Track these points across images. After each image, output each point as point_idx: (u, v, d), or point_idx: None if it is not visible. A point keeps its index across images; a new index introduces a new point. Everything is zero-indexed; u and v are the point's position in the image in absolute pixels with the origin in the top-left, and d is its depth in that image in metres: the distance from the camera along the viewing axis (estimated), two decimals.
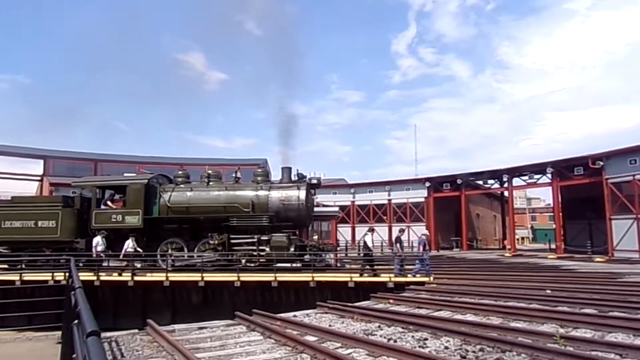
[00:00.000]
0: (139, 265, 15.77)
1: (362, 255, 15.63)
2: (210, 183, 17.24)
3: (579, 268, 18.14)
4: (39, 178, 36.35)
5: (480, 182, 34.36)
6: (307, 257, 15.63)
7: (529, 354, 6.09)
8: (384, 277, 14.03)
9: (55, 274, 14.06)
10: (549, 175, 27.59)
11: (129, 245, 15.49)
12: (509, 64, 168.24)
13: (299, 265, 15.48)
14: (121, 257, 15.42)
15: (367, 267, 15.04)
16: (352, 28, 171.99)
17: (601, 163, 23.86)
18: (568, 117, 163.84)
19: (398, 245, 15.56)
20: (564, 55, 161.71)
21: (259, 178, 17.36)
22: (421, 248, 14.95)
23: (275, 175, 19.00)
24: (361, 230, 35.92)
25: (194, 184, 17.65)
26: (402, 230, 16.64)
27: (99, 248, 15.40)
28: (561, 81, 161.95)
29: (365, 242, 15.47)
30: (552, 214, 41.57)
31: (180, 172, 18.23)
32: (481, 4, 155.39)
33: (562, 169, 26.70)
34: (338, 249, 27.33)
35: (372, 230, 16.72)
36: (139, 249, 15.73)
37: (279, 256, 15.20)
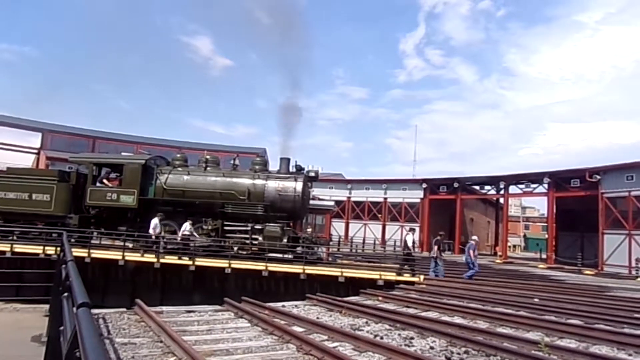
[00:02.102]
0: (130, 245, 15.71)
1: (404, 254, 15.64)
2: (208, 168, 17.20)
3: (568, 279, 18.25)
4: (36, 151, 36.11)
5: (477, 187, 34.45)
6: (299, 249, 15.65)
7: None
8: (374, 275, 14.08)
9: (46, 247, 14.03)
10: (546, 185, 27.70)
11: (187, 228, 15.24)
12: (515, 72, 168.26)
13: (290, 256, 15.50)
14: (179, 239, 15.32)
15: (406, 266, 15.10)
16: (361, 24, 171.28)
17: (598, 177, 23.95)
18: (569, 129, 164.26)
19: (436, 248, 15.60)
20: (571, 67, 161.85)
21: (257, 167, 17.34)
22: (471, 253, 14.92)
23: (274, 165, 18.96)
24: (355, 226, 36.04)
25: (191, 168, 17.59)
26: (441, 234, 16.73)
27: (157, 230, 15.07)
28: (566, 93, 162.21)
29: (406, 242, 15.49)
30: (545, 224, 41.76)
31: (178, 155, 18.16)
32: (492, 9, 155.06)
33: (559, 180, 26.80)
34: (331, 243, 27.39)
35: (412, 230, 16.72)
36: (195, 234, 15.43)
37: (271, 246, 15.22)
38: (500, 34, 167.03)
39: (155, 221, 15.14)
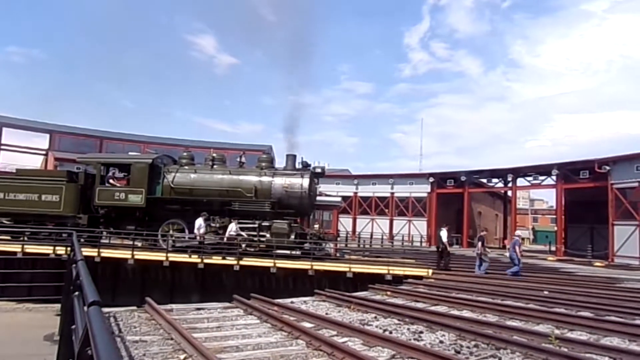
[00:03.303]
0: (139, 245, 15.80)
1: (439, 249, 15.73)
2: (215, 166, 17.27)
3: (578, 271, 18.11)
4: (44, 152, 36.42)
5: (484, 181, 34.25)
6: (307, 245, 15.68)
7: (523, 353, 6.11)
8: (382, 270, 14.07)
9: (56, 247, 14.17)
10: (554, 177, 27.46)
11: (233, 229, 15.18)
12: (521, 63, 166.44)
13: (298, 253, 15.54)
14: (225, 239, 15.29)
15: (442, 261, 15.33)
16: (365, 18, 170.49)
17: (607, 168, 23.69)
18: (577, 120, 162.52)
19: (480, 244, 15.61)
20: (578, 57, 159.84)
21: (263, 164, 17.37)
22: (517, 249, 14.83)
23: (280, 162, 19.02)
24: (362, 221, 35.99)
25: (198, 166, 17.67)
26: (485, 230, 16.74)
27: (202, 230, 15.03)
28: (573, 83, 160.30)
29: (440, 238, 15.60)
30: (554, 216, 41.50)
31: (185, 154, 18.24)
32: (497, 1, 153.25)
33: (567, 171, 26.55)
34: (338, 239, 27.42)
35: (447, 226, 16.82)
36: (242, 233, 15.34)
37: (279, 243, 15.26)
38: (505, 26, 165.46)
39: (199, 221, 15.05)
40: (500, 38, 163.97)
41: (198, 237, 15.06)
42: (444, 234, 15.64)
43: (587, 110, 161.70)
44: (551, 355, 5.87)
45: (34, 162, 35.03)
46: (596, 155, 24.63)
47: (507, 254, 15.61)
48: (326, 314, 8.68)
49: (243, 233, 15.43)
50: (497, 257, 23.00)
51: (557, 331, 7.32)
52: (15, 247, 14.36)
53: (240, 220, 16.08)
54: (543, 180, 28.91)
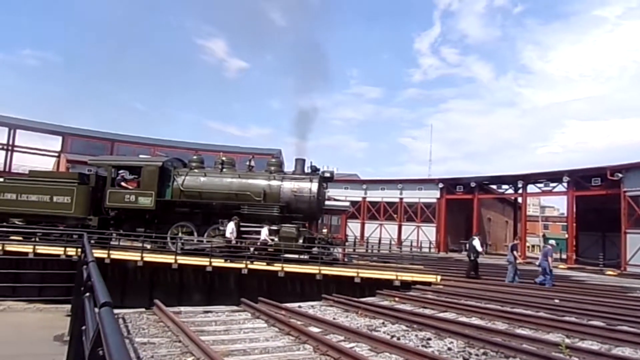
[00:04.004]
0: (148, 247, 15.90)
1: (472, 258, 15.71)
2: (224, 170, 17.33)
3: (589, 280, 17.90)
4: (56, 154, 36.94)
5: (494, 187, 34.03)
6: (315, 249, 15.66)
7: None
8: (390, 275, 14.00)
9: (67, 248, 14.30)
10: (565, 184, 27.21)
11: (265, 233, 15.08)
12: (532, 69, 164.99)
13: (306, 257, 15.53)
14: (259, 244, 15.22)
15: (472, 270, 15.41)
16: (375, 23, 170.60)
17: (620, 175, 23.43)
18: (589, 127, 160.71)
19: (515, 253, 15.52)
20: (590, 64, 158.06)
21: (272, 168, 17.40)
22: (549, 259, 14.69)
23: (289, 166, 19.01)
24: (371, 226, 35.92)
25: (207, 169, 17.74)
26: (518, 238, 16.65)
27: (235, 235, 15.03)
28: (585, 90, 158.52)
29: (474, 246, 15.60)
30: (565, 223, 41.00)
31: (194, 157, 18.35)
32: (509, 6, 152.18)
33: (579, 178, 26.30)
34: (346, 244, 27.34)
35: (479, 234, 16.80)
36: (274, 239, 15.19)
37: (287, 247, 15.25)
38: (517, 31, 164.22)
39: (231, 225, 15.05)
40: (511, 43, 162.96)
41: (206, 241, 15.06)
42: (477, 242, 15.56)
43: (599, 117, 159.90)
44: None
45: (47, 164, 35.56)
46: (608, 162, 24.37)
47: (538, 263, 15.42)
48: (334, 319, 8.67)
49: (268, 238, 15.32)
50: (506, 265, 22.79)
51: (567, 340, 7.23)
52: (27, 248, 14.53)
53: (249, 224, 16.13)
54: (554, 187, 28.66)
